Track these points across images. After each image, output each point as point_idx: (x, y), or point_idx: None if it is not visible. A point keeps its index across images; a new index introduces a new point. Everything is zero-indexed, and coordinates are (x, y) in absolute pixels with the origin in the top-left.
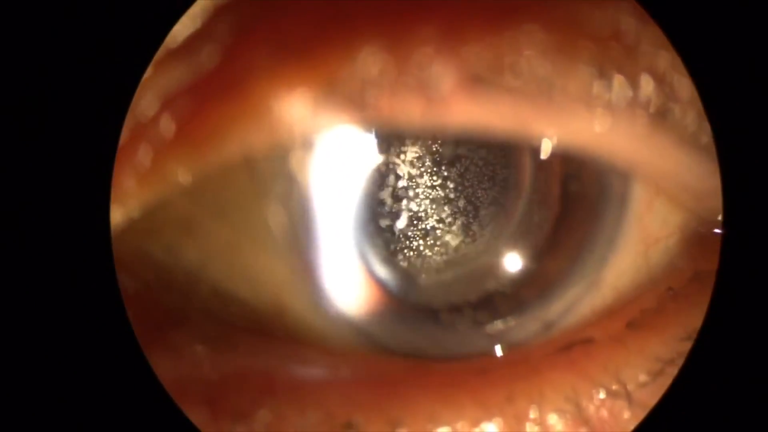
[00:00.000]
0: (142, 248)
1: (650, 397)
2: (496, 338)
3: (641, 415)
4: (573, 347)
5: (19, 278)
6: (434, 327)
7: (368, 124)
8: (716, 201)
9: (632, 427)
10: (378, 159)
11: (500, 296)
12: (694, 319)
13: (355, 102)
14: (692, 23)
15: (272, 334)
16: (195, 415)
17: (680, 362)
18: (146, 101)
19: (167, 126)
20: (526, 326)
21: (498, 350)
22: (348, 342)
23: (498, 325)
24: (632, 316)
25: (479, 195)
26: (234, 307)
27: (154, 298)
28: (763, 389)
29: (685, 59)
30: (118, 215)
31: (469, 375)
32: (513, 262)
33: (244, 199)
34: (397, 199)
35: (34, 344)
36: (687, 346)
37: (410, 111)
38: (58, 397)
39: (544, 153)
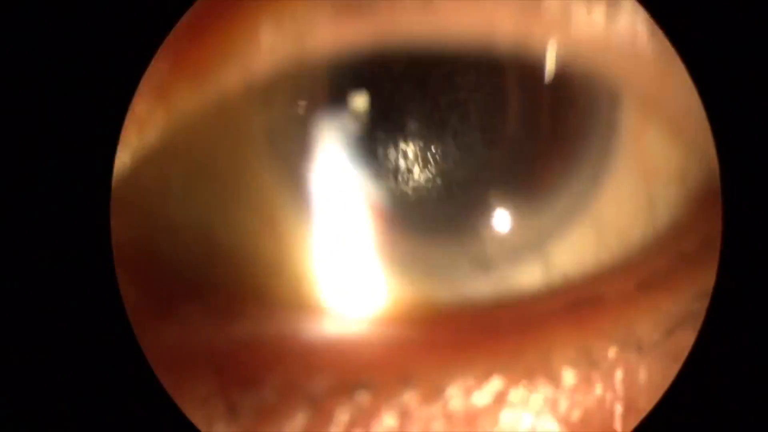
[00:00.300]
0: (143, 208)
1: (666, 351)
2: (501, 281)
3: (656, 370)
4: (582, 304)
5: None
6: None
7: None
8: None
9: (646, 381)
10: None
11: (493, 230)
12: (706, 279)
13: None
14: (692, 23)
15: (277, 300)
16: (202, 386)
17: (693, 324)
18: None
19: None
20: (528, 267)
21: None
22: (353, 302)
23: (496, 258)
24: (642, 277)
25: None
26: (237, 274)
27: (156, 267)
28: None
29: (685, 59)
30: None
31: (477, 330)
32: (502, 193)
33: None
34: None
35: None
36: (699, 305)
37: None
38: (53, 389)
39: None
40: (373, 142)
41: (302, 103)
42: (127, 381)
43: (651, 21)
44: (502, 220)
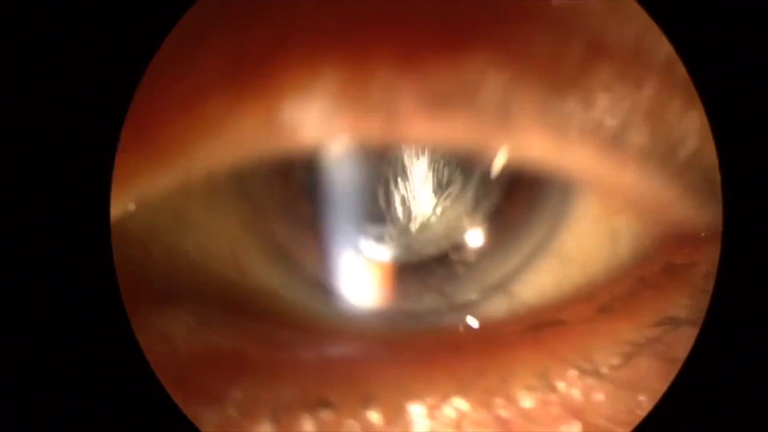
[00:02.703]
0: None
1: (623, 377)
2: (465, 312)
3: (613, 395)
4: (543, 328)
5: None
6: (404, 302)
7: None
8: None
9: (605, 407)
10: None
11: (460, 265)
12: (666, 307)
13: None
14: (692, 23)
15: (245, 313)
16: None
17: (652, 347)
18: None
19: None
20: (493, 300)
21: (472, 321)
22: (323, 320)
23: (461, 294)
24: (603, 301)
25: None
26: (208, 285)
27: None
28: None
29: (685, 59)
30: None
31: (440, 351)
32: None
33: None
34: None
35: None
36: (659, 332)
37: (370, 130)
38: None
39: (495, 170)
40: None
41: None
42: (127, 383)
43: None
44: (469, 255)
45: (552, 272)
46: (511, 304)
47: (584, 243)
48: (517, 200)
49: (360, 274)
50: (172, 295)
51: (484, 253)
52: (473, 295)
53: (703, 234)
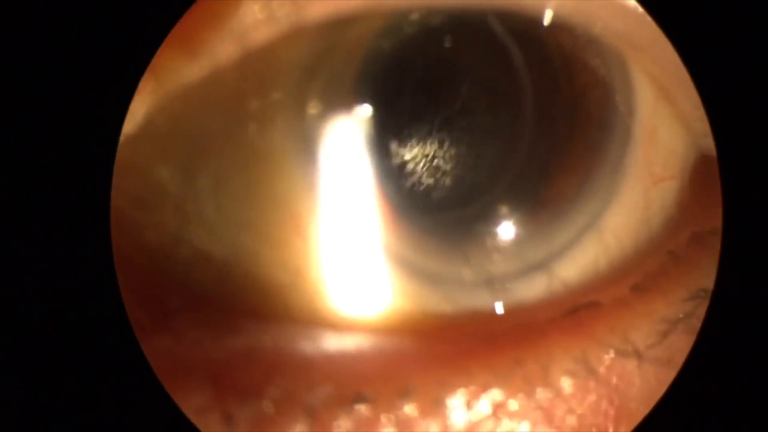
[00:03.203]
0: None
1: (661, 355)
2: (503, 290)
3: (652, 375)
4: (579, 310)
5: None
6: (440, 279)
7: None
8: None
9: (642, 386)
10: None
11: (499, 241)
12: (697, 279)
13: None
14: (692, 23)
15: (276, 313)
16: (197, 396)
17: (688, 322)
18: None
19: None
20: (532, 279)
21: (499, 307)
22: (353, 314)
23: (502, 271)
24: (636, 279)
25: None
26: (241, 287)
27: (153, 283)
28: None
29: (684, 58)
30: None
31: (476, 340)
32: (511, 208)
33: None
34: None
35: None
36: (692, 305)
37: None
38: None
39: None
40: (382, 146)
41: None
42: (131, 388)
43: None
44: (509, 234)
45: (592, 249)
46: (549, 283)
47: (625, 217)
48: (569, 174)
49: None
50: (190, 300)
51: (529, 230)
52: (512, 274)
53: None
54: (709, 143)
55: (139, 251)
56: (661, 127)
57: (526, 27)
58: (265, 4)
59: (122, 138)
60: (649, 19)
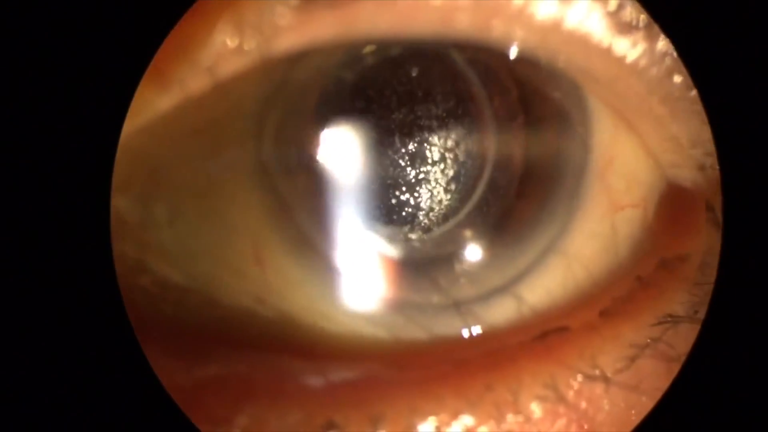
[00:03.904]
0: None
1: (629, 380)
2: (471, 315)
3: (619, 399)
4: (548, 335)
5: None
6: (409, 305)
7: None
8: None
9: (611, 411)
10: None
11: (466, 264)
12: (665, 304)
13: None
14: (692, 23)
15: (248, 340)
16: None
17: (656, 347)
18: None
19: None
20: (500, 303)
21: (467, 332)
22: (324, 342)
23: (469, 295)
24: (605, 304)
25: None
26: (206, 316)
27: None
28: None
29: (684, 58)
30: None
31: (446, 367)
32: (475, 232)
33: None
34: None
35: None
36: (660, 331)
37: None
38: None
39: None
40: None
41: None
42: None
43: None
44: (474, 257)
45: (559, 274)
46: (519, 308)
47: (589, 242)
48: (528, 199)
49: (367, 271)
50: (161, 326)
51: (493, 254)
52: (480, 298)
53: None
54: (679, 173)
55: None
56: (622, 157)
57: (487, 59)
58: (236, 35)
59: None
60: (614, 54)
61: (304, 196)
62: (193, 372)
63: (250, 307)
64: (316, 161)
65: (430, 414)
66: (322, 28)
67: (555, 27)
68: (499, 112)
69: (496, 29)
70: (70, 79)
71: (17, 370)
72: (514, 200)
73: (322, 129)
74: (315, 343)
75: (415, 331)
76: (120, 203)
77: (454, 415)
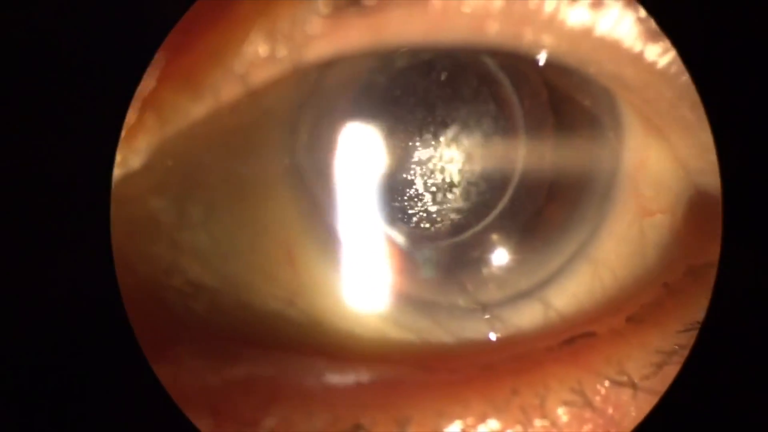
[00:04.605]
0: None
1: (656, 386)
2: (498, 320)
3: (648, 405)
4: (575, 341)
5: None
6: (436, 308)
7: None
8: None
9: (638, 417)
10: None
11: (494, 268)
12: (691, 311)
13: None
14: (692, 23)
15: (273, 343)
16: (200, 423)
17: (683, 353)
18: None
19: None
20: (527, 307)
21: (494, 336)
22: (352, 344)
23: (496, 299)
24: (632, 310)
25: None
26: (236, 317)
27: (155, 309)
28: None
29: (685, 58)
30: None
31: (473, 370)
32: (503, 236)
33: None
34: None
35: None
36: (686, 337)
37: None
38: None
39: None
40: (374, 177)
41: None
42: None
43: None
44: (502, 261)
45: (587, 279)
46: (545, 313)
47: (617, 248)
48: (558, 204)
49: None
50: (191, 328)
51: (521, 258)
52: (507, 302)
53: None
54: (706, 180)
55: (137, 282)
56: (651, 163)
57: (518, 63)
58: (268, 43)
59: (119, 172)
60: (645, 61)
61: (335, 199)
62: (221, 373)
63: (279, 308)
64: (348, 164)
65: (457, 417)
66: (353, 36)
67: (586, 34)
68: (529, 116)
69: (526, 36)
70: (70, 78)
71: (17, 370)
72: (544, 205)
73: (353, 132)
74: (343, 346)
75: (443, 334)
76: (155, 204)
77: (481, 419)
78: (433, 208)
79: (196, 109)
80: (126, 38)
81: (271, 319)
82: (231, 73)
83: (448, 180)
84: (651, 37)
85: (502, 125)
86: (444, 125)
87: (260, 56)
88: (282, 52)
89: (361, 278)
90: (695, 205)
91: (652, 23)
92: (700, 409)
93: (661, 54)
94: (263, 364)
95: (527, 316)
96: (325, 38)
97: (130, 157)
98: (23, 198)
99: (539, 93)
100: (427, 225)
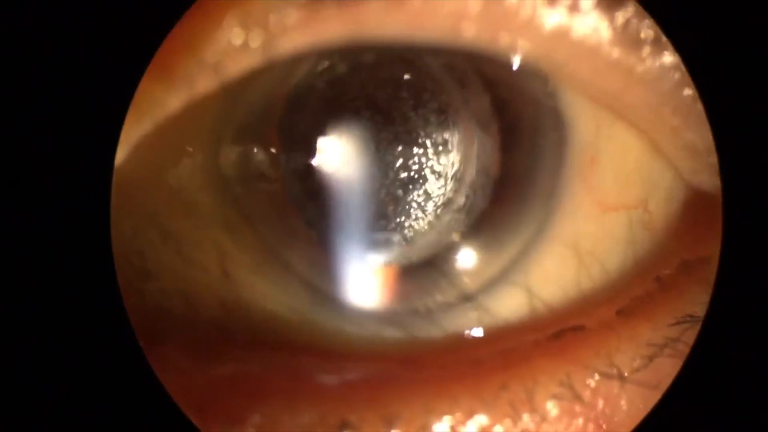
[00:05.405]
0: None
1: (646, 379)
2: (483, 311)
3: (639, 398)
4: (564, 334)
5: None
6: (422, 300)
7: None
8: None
9: (629, 410)
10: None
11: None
12: (684, 305)
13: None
14: (692, 23)
15: (258, 340)
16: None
17: (675, 346)
18: None
19: None
20: (507, 295)
21: (479, 331)
22: (339, 341)
23: (472, 288)
24: (622, 303)
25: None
26: (223, 314)
27: (140, 307)
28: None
29: (685, 58)
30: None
31: (461, 366)
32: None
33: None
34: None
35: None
36: (679, 330)
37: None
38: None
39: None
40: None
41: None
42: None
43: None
44: (467, 251)
45: (566, 267)
46: (530, 303)
47: (600, 237)
48: (508, 199)
49: (363, 279)
50: (176, 326)
51: (483, 245)
52: (484, 290)
53: None
54: (700, 179)
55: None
56: (638, 162)
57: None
58: (241, 32)
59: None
60: (622, 67)
61: (309, 199)
62: (207, 371)
63: (265, 306)
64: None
65: (445, 413)
66: (329, 29)
67: (562, 38)
68: (475, 117)
69: (502, 39)
70: (69, 78)
71: (17, 370)
72: (494, 200)
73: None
74: (330, 343)
75: (431, 330)
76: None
77: (469, 415)
78: (390, 210)
79: (172, 101)
80: (125, 37)
81: (257, 316)
82: (204, 63)
83: (400, 183)
84: (630, 42)
85: (448, 125)
86: (391, 129)
87: (233, 45)
88: (256, 41)
89: (348, 276)
90: (689, 202)
91: (630, 30)
92: (700, 408)
93: (640, 59)
94: (249, 362)
95: (512, 305)
96: (301, 29)
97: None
98: (23, 198)
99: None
100: (388, 227)
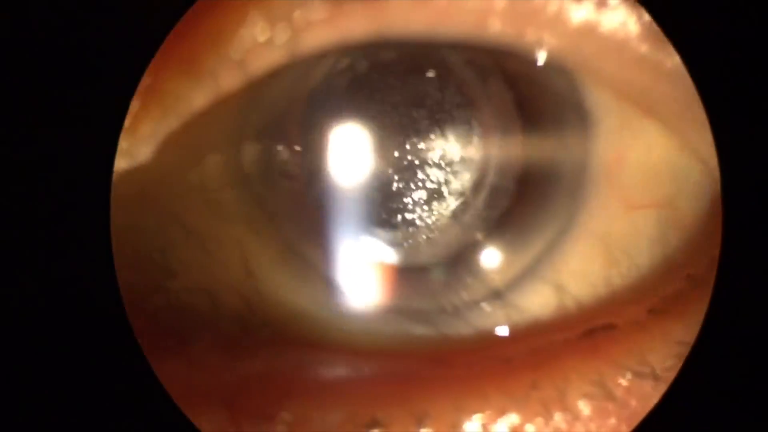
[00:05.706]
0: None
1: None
2: (512, 307)
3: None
4: (595, 333)
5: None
6: (449, 298)
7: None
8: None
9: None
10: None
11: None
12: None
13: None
14: (692, 23)
15: (289, 337)
16: (212, 419)
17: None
18: None
19: None
20: (535, 291)
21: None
22: (368, 339)
23: (498, 285)
24: (654, 302)
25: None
26: (252, 313)
27: (166, 306)
28: None
29: (685, 59)
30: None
31: (492, 364)
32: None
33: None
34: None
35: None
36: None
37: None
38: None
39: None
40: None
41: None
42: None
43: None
44: (492, 248)
45: (599, 265)
46: (560, 300)
47: (628, 234)
48: (530, 197)
49: (386, 277)
50: (204, 325)
51: (506, 242)
52: (512, 286)
53: None
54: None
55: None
56: (667, 159)
57: (484, 60)
58: (266, 27)
59: (123, 164)
60: (649, 62)
61: (331, 197)
62: (237, 368)
63: (290, 303)
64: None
65: (476, 412)
66: (353, 24)
67: (589, 34)
68: (497, 114)
69: (528, 35)
70: (69, 78)
71: (17, 370)
72: (517, 197)
73: (321, 134)
74: (359, 341)
75: (460, 327)
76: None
77: (500, 413)
78: (403, 210)
79: (197, 97)
80: (129, 32)
81: (287, 314)
82: (229, 59)
83: (416, 181)
84: (656, 39)
85: (470, 123)
86: (411, 126)
87: (258, 41)
88: (281, 37)
89: (371, 274)
90: (718, 198)
91: (655, 25)
92: (700, 409)
93: (669, 55)
94: (279, 359)
95: (541, 302)
96: (325, 25)
97: (135, 146)
98: (23, 197)
99: (506, 91)
100: (402, 226)
